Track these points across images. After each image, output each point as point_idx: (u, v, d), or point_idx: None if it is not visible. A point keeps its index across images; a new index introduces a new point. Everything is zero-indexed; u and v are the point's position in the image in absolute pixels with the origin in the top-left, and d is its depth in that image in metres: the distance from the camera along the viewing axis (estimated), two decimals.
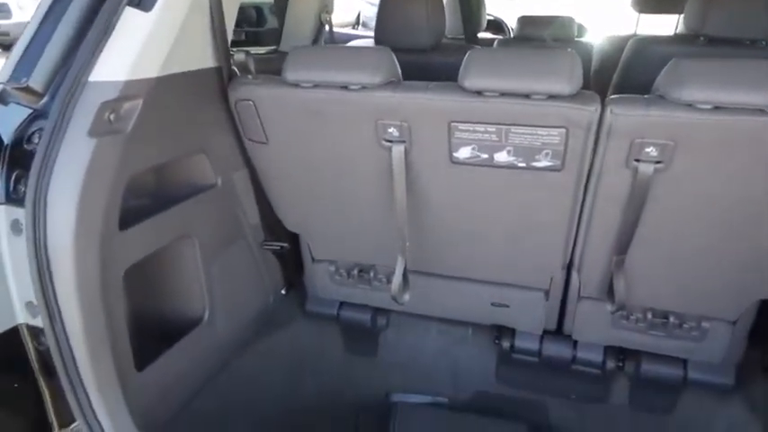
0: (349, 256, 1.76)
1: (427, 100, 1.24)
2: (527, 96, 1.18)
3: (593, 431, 1.80)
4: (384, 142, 1.33)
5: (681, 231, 1.31)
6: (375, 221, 1.55)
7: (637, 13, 3.20)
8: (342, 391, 2.03)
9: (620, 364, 1.71)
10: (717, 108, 1.09)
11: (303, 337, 1.99)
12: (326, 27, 2.43)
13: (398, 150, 1.32)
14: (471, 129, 1.24)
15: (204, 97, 1.39)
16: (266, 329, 1.89)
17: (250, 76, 1.38)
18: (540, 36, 2.84)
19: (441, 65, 1.62)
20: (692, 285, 1.44)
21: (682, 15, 2.30)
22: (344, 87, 1.28)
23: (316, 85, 1.30)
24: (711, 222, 1.27)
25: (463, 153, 1.30)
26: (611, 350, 1.70)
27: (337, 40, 2.52)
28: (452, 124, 1.25)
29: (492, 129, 1.23)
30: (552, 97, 1.16)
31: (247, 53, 1.35)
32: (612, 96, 1.19)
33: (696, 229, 1.29)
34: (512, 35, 4.03)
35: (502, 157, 1.27)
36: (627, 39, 2.11)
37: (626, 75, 2.01)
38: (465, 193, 1.39)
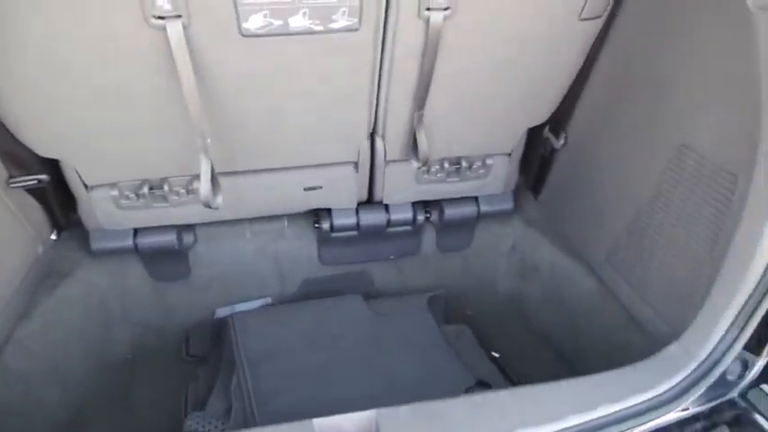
0: (133, 173, 1.50)
1: None
2: None
3: (412, 281, 1.99)
4: (154, 20, 1.09)
5: (468, 76, 1.41)
6: (162, 123, 1.32)
7: None
8: (160, 323, 1.84)
9: (428, 216, 1.88)
10: None
11: (97, 281, 1.70)
12: None
13: (175, 28, 1.10)
14: None
15: None
16: (48, 284, 1.56)
17: None
18: None
19: None
20: (479, 126, 1.60)
21: None
22: None
23: None
24: (491, 63, 1.39)
25: (254, 22, 1.14)
26: (418, 206, 1.84)
27: None
28: None
29: None
30: None
31: None
32: None
33: (480, 71, 1.40)
34: None
35: (297, 21, 1.16)
36: None
37: None
38: (262, 70, 1.25)
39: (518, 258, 1.97)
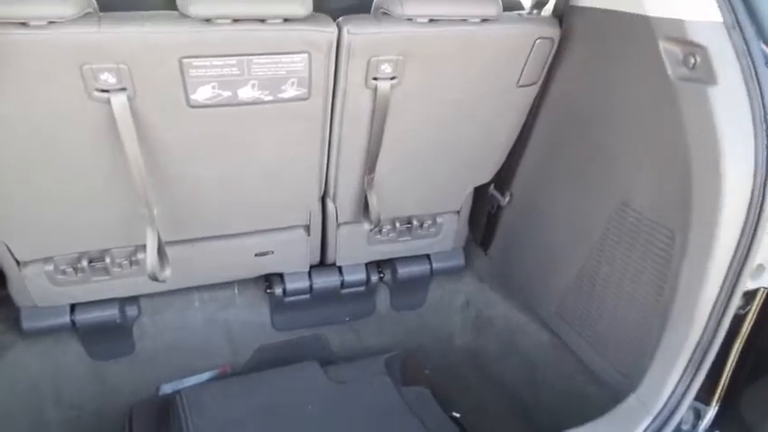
0: (72, 246, 1.42)
1: (146, 34, 1.03)
2: (262, 21, 1.09)
3: (368, 342, 1.95)
4: (98, 93, 1.07)
5: (415, 139, 1.45)
6: (105, 195, 1.27)
7: None
8: (99, 405, 1.70)
9: (381, 276, 1.87)
10: (431, 21, 1.21)
11: (28, 363, 1.57)
12: None
13: (120, 101, 1.08)
14: (208, 64, 1.09)
15: None
16: None
17: None
18: None
19: None
20: (427, 186, 1.63)
21: None
22: (24, 24, 0.96)
23: None
24: (437, 127, 1.44)
25: (202, 94, 1.14)
26: (371, 266, 1.83)
27: None
28: (184, 61, 1.08)
29: (232, 61, 1.10)
30: (288, 20, 1.11)
31: None
32: (342, 17, 1.19)
33: (427, 135, 1.45)
34: None
35: (246, 92, 1.17)
36: None
37: None
38: (211, 140, 1.24)
39: (473, 314, 1.98)
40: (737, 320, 1.11)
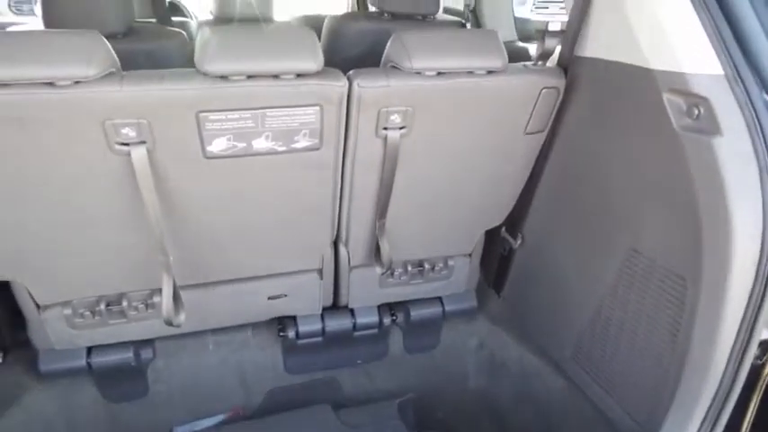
0: (90, 290, 1.46)
1: (165, 91, 1.08)
2: (276, 77, 1.14)
3: (381, 385, 1.94)
4: (119, 146, 1.12)
5: (425, 186, 1.48)
6: (122, 242, 1.30)
7: None
8: None
9: (394, 318, 1.87)
10: (439, 74, 1.25)
11: (44, 407, 1.59)
12: None
13: (140, 153, 1.13)
14: (224, 117, 1.14)
15: None
16: None
17: None
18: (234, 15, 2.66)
19: (139, 52, 1.44)
20: (438, 231, 1.65)
21: None
22: (50, 84, 1.02)
23: (5, 84, 1.00)
24: (447, 173, 1.46)
25: (218, 145, 1.18)
26: (383, 308, 1.83)
27: None
28: (201, 115, 1.12)
29: (247, 114, 1.15)
30: (301, 76, 1.15)
31: None
32: (353, 71, 1.24)
33: (437, 181, 1.47)
34: (193, 18, 3.81)
35: (260, 143, 1.21)
36: (317, 18, 2.19)
37: (331, 50, 2.06)
38: (226, 188, 1.28)
39: (486, 355, 1.96)
40: (755, 371, 1.09)
